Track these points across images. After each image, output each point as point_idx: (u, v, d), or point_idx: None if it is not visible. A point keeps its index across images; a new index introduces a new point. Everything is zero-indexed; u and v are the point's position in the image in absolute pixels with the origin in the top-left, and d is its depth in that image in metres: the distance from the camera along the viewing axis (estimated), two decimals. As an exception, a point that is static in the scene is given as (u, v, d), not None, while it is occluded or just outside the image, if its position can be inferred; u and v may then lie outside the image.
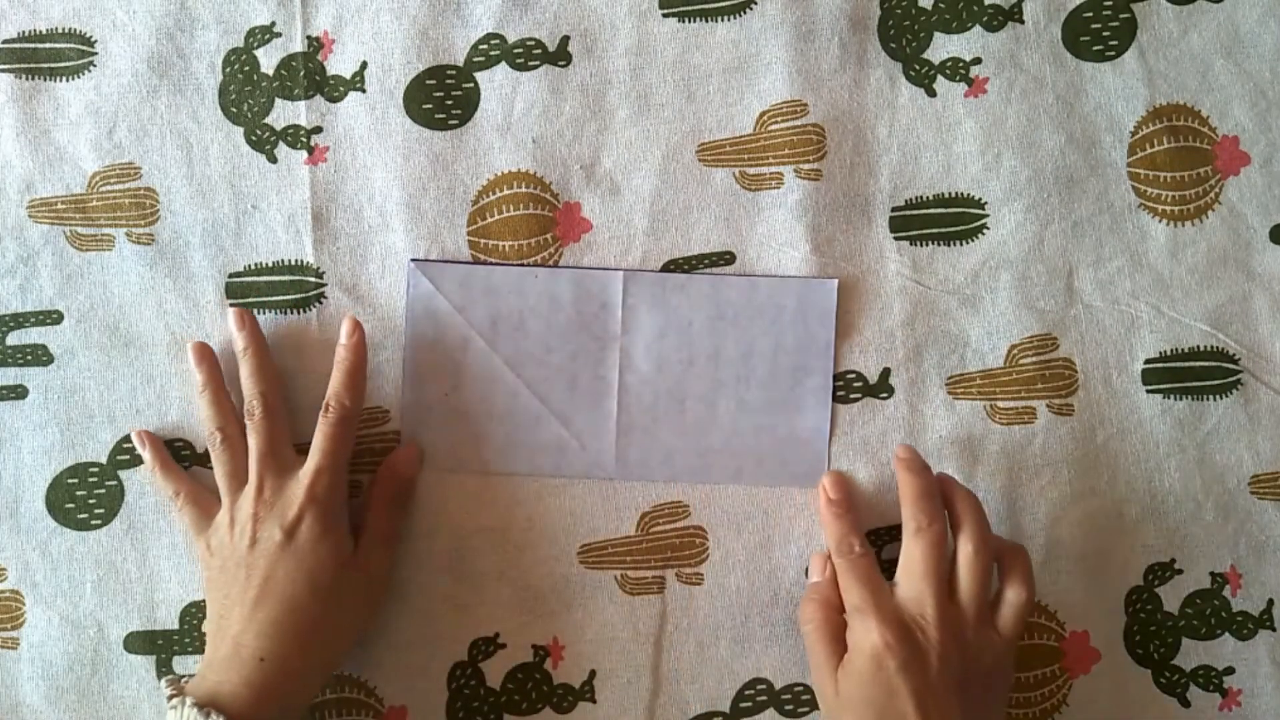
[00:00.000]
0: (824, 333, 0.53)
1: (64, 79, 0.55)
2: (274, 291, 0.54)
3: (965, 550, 0.48)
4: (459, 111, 0.54)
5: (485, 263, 0.53)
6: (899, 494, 0.50)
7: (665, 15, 0.54)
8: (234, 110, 0.55)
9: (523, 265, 0.53)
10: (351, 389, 0.51)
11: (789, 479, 0.53)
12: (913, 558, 0.48)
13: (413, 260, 0.53)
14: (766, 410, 0.53)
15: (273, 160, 0.54)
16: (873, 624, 0.46)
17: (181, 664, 0.53)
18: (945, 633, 0.46)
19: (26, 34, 0.55)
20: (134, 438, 0.53)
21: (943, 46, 0.55)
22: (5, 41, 0.55)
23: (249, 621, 0.47)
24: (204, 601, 0.52)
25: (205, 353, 0.52)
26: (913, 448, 0.51)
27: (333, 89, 0.54)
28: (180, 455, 0.53)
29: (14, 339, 0.54)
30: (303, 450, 0.50)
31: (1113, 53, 0.54)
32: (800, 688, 0.53)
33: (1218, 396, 0.53)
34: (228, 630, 0.47)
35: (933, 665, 0.45)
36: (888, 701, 0.45)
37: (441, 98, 0.54)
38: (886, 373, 0.53)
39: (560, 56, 0.54)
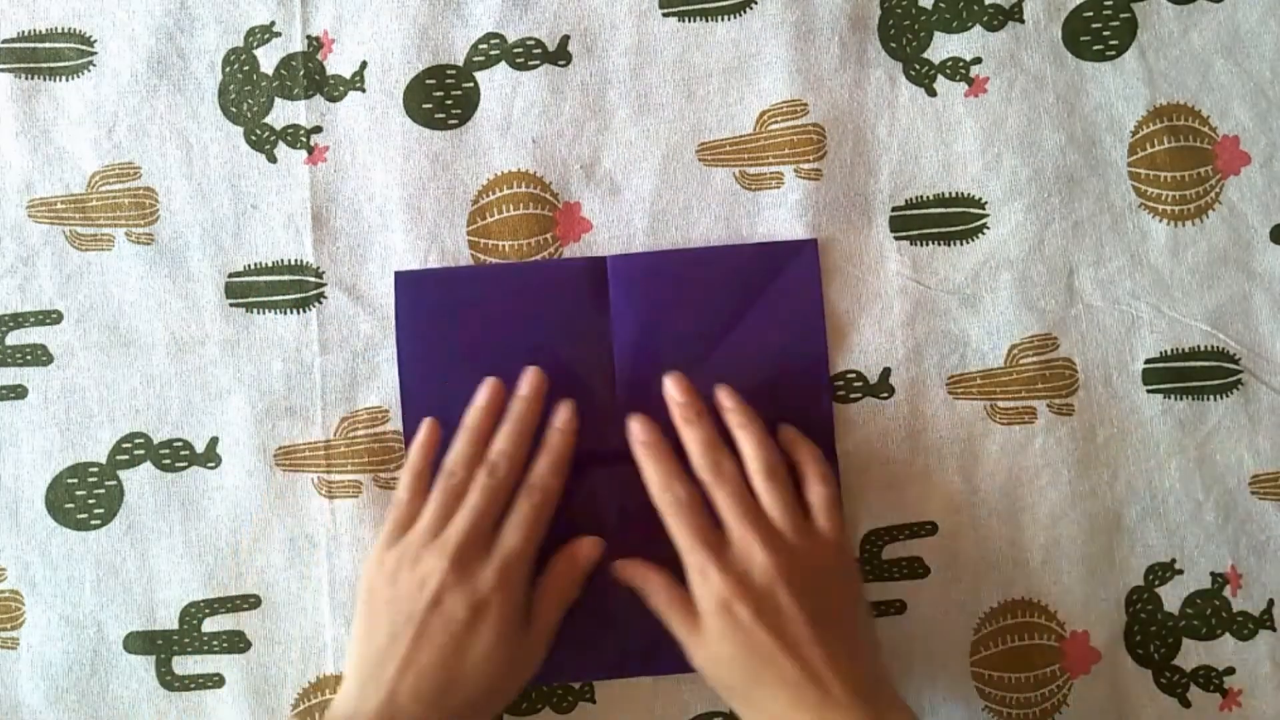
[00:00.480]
0: (812, 295, 0.53)
1: (64, 79, 0.55)
2: (274, 291, 0.54)
3: (757, 481, 0.49)
4: (459, 111, 0.54)
5: (474, 265, 0.53)
6: (685, 448, 0.50)
7: (665, 15, 0.54)
8: (234, 110, 0.55)
9: (507, 264, 0.53)
10: (559, 474, 0.50)
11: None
12: (723, 504, 0.48)
13: (397, 272, 0.53)
14: (763, 375, 0.52)
15: (272, 160, 0.54)
16: (715, 576, 0.47)
17: (181, 664, 0.53)
18: (778, 561, 0.47)
19: (26, 34, 0.55)
20: (425, 427, 0.51)
21: (943, 46, 0.55)
22: (5, 41, 0.55)
23: (410, 683, 0.46)
24: (203, 602, 0.53)
25: (497, 394, 0.51)
26: (685, 391, 0.51)
27: (332, 89, 0.54)
28: (180, 455, 0.53)
29: (14, 339, 0.54)
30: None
31: (1113, 52, 0.54)
32: (800, 688, 0.53)
33: (1218, 396, 0.53)
34: (383, 676, 0.46)
35: (781, 598, 0.46)
36: (753, 648, 0.46)
37: (441, 97, 0.54)
38: (886, 373, 0.53)
39: (560, 56, 0.54)
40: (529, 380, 0.51)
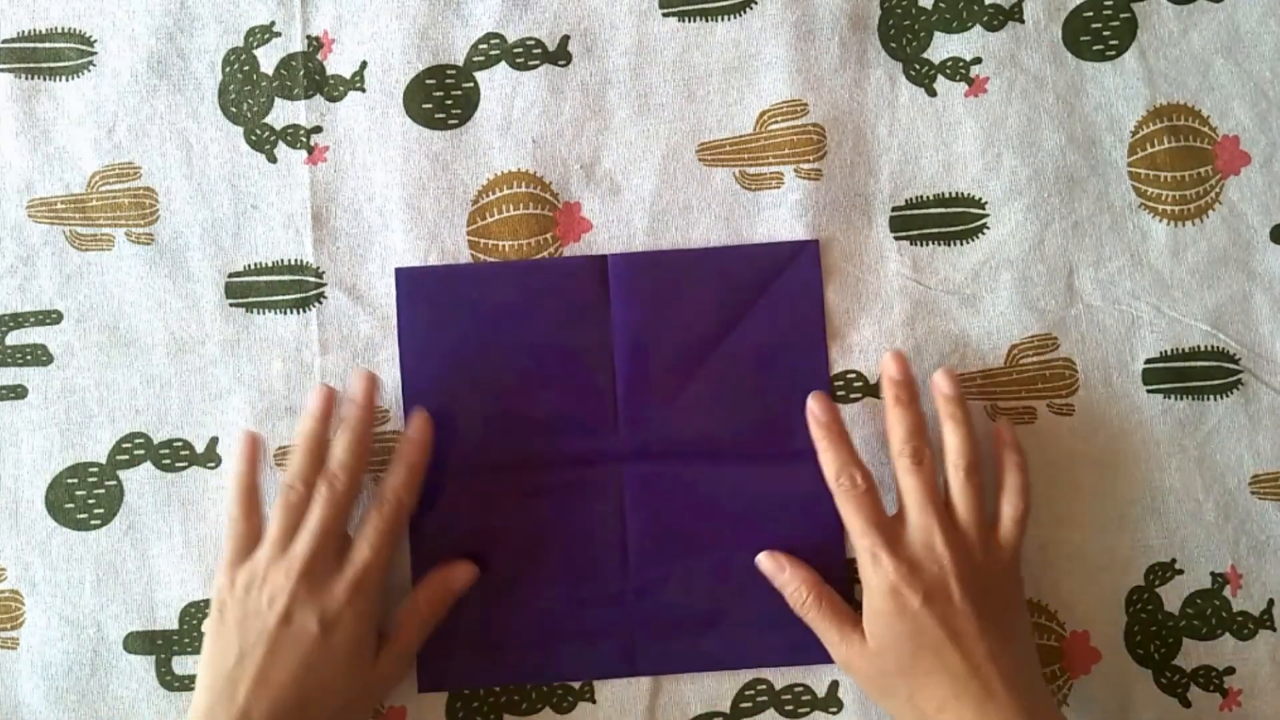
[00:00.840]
0: (813, 296, 0.53)
1: (64, 79, 0.55)
2: (274, 291, 0.54)
3: (956, 476, 0.49)
4: (459, 111, 0.54)
5: (475, 263, 0.53)
6: (887, 427, 0.50)
7: (665, 15, 0.54)
8: (234, 110, 0.55)
9: (509, 262, 0.53)
10: (413, 486, 0.50)
11: (791, 448, 0.52)
12: (911, 490, 0.49)
13: (398, 268, 0.53)
14: (763, 375, 0.52)
15: (272, 160, 0.54)
16: (886, 561, 0.47)
17: (181, 664, 0.53)
18: (956, 556, 0.47)
19: (26, 34, 0.55)
20: (243, 439, 0.51)
21: (943, 46, 0.55)
22: (5, 41, 0.55)
23: (265, 703, 0.46)
24: (204, 602, 0.53)
25: (328, 400, 0.50)
26: (904, 372, 0.51)
27: (332, 89, 0.54)
28: (180, 456, 0.53)
29: (14, 339, 0.54)
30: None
31: (1113, 52, 0.54)
32: (800, 688, 0.53)
33: (1218, 396, 0.53)
34: (233, 696, 0.46)
35: (953, 590, 0.47)
36: (919, 634, 0.46)
37: (441, 97, 0.54)
38: (886, 373, 0.53)
39: (560, 56, 0.54)
40: (359, 384, 0.50)
